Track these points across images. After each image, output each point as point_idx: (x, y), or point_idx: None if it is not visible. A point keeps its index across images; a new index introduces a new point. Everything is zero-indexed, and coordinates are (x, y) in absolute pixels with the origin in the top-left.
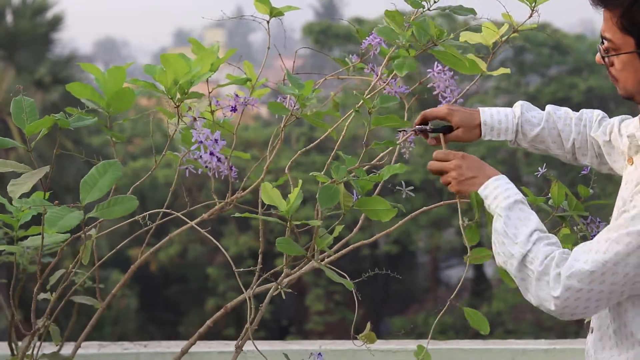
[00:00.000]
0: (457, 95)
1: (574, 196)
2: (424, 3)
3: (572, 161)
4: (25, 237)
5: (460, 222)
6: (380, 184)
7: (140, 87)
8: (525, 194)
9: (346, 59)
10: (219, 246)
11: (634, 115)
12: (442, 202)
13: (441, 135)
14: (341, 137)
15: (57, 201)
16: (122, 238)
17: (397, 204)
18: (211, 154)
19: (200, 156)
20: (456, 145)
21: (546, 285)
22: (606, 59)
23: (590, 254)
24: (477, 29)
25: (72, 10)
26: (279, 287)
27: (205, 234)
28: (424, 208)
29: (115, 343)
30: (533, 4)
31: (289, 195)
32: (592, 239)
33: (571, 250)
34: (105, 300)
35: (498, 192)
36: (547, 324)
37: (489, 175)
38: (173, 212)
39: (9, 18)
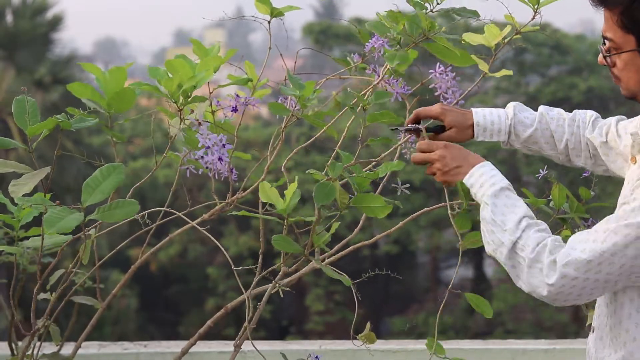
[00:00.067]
0: (459, 96)
1: (575, 198)
2: (426, 5)
3: (565, 162)
4: (26, 238)
5: (449, 211)
6: (381, 185)
7: (142, 88)
8: (525, 196)
9: (348, 58)
10: (219, 246)
11: (634, 115)
12: (442, 204)
13: (433, 135)
14: (342, 137)
15: (58, 201)
16: (122, 238)
17: (394, 201)
18: (220, 159)
19: (202, 157)
20: None
21: (539, 273)
22: (608, 59)
23: (587, 243)
24: (477, 30)
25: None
26: (277, 285)
27: (206, 233)
28: (425, 209)
29: (115, 343)
30: (536, 6)
31: (285, 193)
32: None
33: (563, 238)
34: (105, 300)
35: (483, 179)
36: (547, 324)
37: (473, 164)
38: (174, 211)
39: (9, 18)
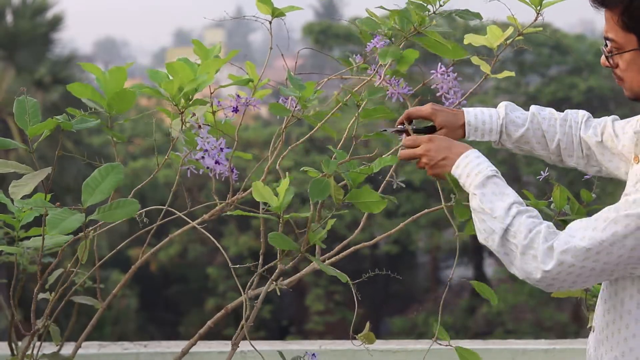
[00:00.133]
0: (461, 96)
1: (576, 199)
2: (429, 7)
3: (556, 162)
4: (27, 238)
5: (443, 203)
6: (382, 185)
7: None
8: (526, 197)
9: (350, 58)
10: (219, 246)
11: (635, 115)
12: (442, 205)
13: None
14: (343, 138)
15: (58, 203)
16: (122, 238)
17: (390, 197)
18: (216, 162)
19: (203, 157)
20: None
21: (532, 259)
22: (611, 61)
23: (587, 231)
24: (477, 30)
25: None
26: (274, 283)
27: (206, 233)
28: (426, 210)
29: (115, 343)
30: (538, 7)
31: (278, 190)
32: None
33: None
34: (105, 300)
35: (469, 169)
36: (547, 324)
37: (458, 153)
38: (174, 211)
39: (9, 18)
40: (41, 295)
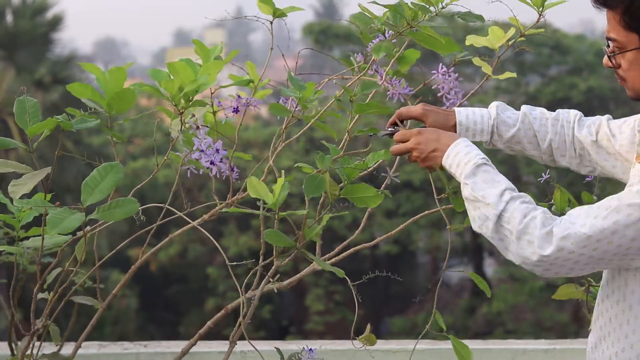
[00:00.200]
0: (462, 97)
1: (576, 200)
2: (431, 8)
3: (548, 162)
4: (26, 238)
5: (436, 196)
6: (384, 183)
7: (143, 89)
8: None
9: (351, 58)
10: (218, 247)
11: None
12: (444, 207)
13: None
14: (344, 138)
15: (58, 202)
16: (122, 238)
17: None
18: (212, 162)
19: (200, 157)
20: None
21: (528, 244)
22: (613, 61)
23: (588, 219)
24: (477, 30)
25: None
26: (270, 280)
27: (206, 233)
28: (426, 212)
29: (115, 343)
30: (541, 9)
31: (273, 187)
32: None
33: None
34: (105, 300)
35: (459, 159)
36: (547, 324)
37: (447, 144)
38: (174, 210)
39: (9, 18)
40: (40, 295)
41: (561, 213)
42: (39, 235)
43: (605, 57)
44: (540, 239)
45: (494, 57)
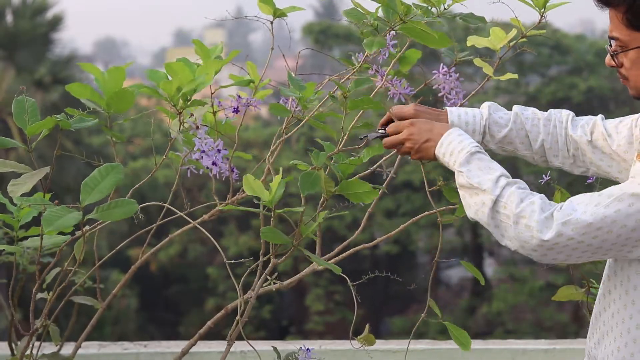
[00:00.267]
0: (463, 97)
1: None
2: (433, 10)
3: (540, 163)
4: (26, 238)
5: (427, 188)
6: (386, 181)
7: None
8: None
9: (353, 58)
10: (218, 248)
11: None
12: (445, 207)
13: None
14: (344, 137)
15: (57, 201)
16: (122, 238)
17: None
18: (214, 163)
19: (201, 157)
20: None
21: (526, 228)
22: (616, 59)
23: (589, 206)
24: (477, 31)
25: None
26: (268, 278)
27: (206, 233)
28: (426, 212)
29: (115, 343)
30: (542, 10)
31: (270, 185)
32: None
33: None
34: (105, 300)
35: (452, 147)
36: (547, 324)
37: (440, 134)
38: (174, 209)
39: (9, 18)
40: (40, 295)
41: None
42: (38, 235)
43: (608, 56)
44: (540, 223)
45: (495, 57)
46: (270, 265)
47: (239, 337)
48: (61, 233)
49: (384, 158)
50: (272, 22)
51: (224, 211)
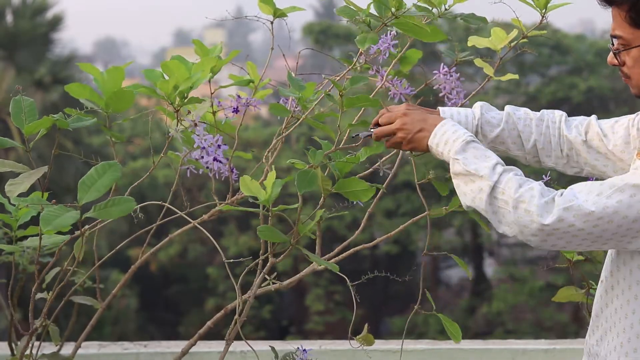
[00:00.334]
0: (463, 97)
1: None
2: (434, 10)
3: (533, 163)
4: (25, 237)
5: (416, 182)
6: (387, 181)
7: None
8: None
9: (353, 58)
10: (217, 247)
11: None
12: (443, 208)
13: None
14: (345, 137)
15: (54, 200)
16: (121, 238)
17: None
18: (215, 159)
19: (202, 157)
20: None
21: (526, 213)
22: (618, 58)
23: (591, 195)
24: (477, 31)
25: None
26: (267, 277)
27: (206, 233)
28: (426, 212)
29: (115, 343)
30: (543, 10)
31: (265, 184)
32: None
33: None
34: (105, 300)
35: (447, 137)
36: (547, 324)
37: (434, 124)
38: (174, 209)
39: (9, 18)
40: (39, 295)
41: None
42: (37, 235)
43: (610, 54)
44: (540, 207)
45: (495, 57)
46: (268, 264)
47: (238, 337)
48: (60, 232)
49: (383, 158)
50: (272, 22)
51: (223, 211)
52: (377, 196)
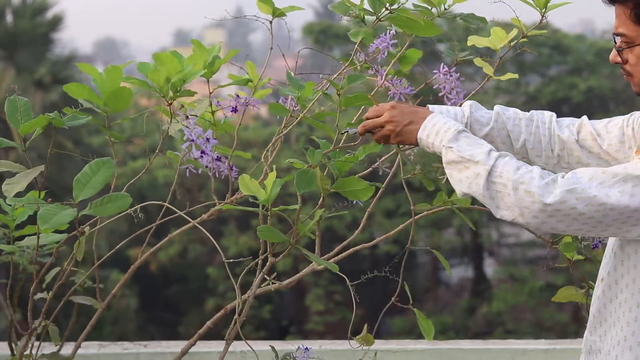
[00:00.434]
0: (463, 96)
1: None
2: (433, 10)
3: None
4: (23, 237)
5: (402, 176)
6: (386, 181)
7: (136, 86)
8: None
9: (354, 58)
10: (217, 247)
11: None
12: (443, 207)
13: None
14: (343, 137)
15: (50, 199)
16: (121, 238)
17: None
18: (202, 152)
19: (201, 156)
20: None
21: (526, 194)
22: (621, 56)
23: (593, 181)
24: (477, 31)
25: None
26: (266, 277)
27: (206, 233)
28: (426, 212)
29: (115, 343)
30: (543, 10)
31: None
32: (594, 248)
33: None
34: (105, 300)
35: (438, 128)
36: (547, 324)
37: (424, 117)
38: (174, 209)
39: (9, 18)
40: (39, 295)
41: None
42: (35, 234)
43: (613, 52)
44: (541, 187)
45: (495, 57)
46: (267, 264)
47: (238, 337)
48: (58, 230)
49: (383, 158)
50: (271, 22)
51: (223, 211)
52: (377, 196)
